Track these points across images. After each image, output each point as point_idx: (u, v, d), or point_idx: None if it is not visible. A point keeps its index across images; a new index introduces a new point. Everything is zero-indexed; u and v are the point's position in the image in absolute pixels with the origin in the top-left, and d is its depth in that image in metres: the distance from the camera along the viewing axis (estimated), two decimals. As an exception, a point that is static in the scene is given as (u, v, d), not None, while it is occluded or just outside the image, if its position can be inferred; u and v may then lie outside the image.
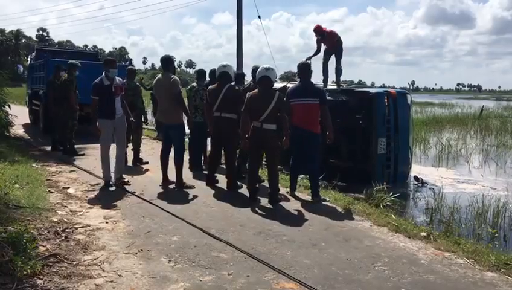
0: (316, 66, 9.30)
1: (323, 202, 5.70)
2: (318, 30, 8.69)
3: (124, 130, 6.27)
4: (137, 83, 8.64)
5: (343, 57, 8.87)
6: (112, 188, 6.01)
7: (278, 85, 8.93)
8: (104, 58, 6.05)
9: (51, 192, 5.60)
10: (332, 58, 8.85)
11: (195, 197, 5.71)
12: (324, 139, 5.74)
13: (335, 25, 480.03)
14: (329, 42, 8.72)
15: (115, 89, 5.99)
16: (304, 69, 5.96)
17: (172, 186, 6.10)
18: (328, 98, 8.15)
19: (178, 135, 6.16)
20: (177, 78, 6.10)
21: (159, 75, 6.27)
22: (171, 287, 3.15)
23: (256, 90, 5.64)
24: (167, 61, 6.20)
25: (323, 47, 8.88)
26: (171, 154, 6.23)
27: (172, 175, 6.13)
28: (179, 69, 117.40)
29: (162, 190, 5.97)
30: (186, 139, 7.95)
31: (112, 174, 6.16)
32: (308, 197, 5.82)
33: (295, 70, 6.49)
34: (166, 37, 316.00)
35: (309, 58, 8.47)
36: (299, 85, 6.00)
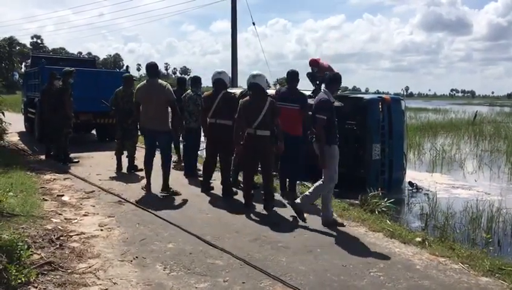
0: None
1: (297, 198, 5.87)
2: (313, 63, 8.55)
3: None
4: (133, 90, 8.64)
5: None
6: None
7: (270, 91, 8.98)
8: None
9: (46, 200, 5.57)
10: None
11: (190, 204, 5.70)
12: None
13: (332, 31, 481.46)
14: (321, 72, 8.67)
15: None
16: (292, 76, 6.23)
17: (161, 194, 6.04)
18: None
19: (167, 141, 6.22)
20: (170, 85, 6.18)
21: (144, 82, 6.32)
22: (166, 295, 3.13)
23: (247, 97, 5.68)
24: (154, 67, 6.23)
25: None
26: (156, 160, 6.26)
27: (159, 181, 6.13)
28: (173, 76, 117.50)
29: (156, 197, 5.95)
30: (181, 145, 7.96)
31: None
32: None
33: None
34: (162, 43, 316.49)
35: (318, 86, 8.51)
36: (285, 90, 6.29)
